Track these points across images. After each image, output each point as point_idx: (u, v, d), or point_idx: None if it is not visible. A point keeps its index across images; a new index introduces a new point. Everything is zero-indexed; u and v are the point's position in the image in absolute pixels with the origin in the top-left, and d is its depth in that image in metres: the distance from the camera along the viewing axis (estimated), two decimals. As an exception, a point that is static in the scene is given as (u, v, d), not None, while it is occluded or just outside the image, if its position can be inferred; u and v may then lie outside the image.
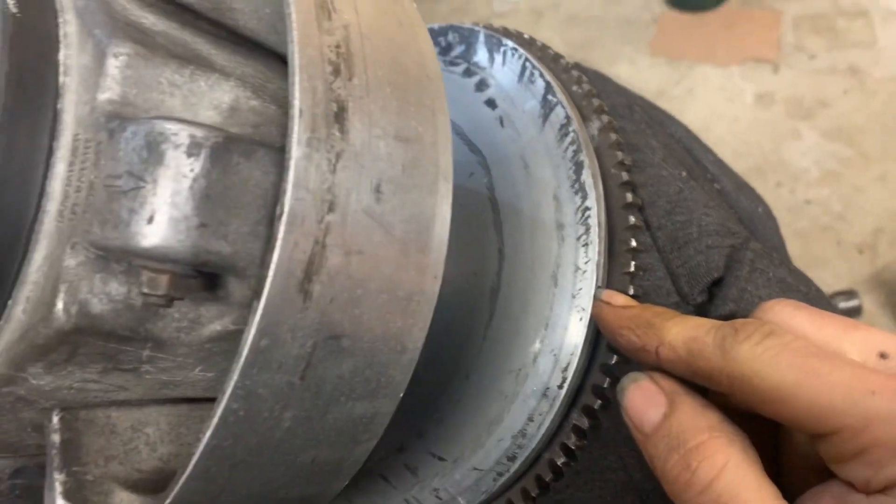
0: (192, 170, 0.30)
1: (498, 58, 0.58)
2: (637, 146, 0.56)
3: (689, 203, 0.54)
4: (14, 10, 0.32)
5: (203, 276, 0.34)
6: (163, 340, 0.35)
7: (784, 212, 2.19)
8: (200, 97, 0.34)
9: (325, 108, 0.32)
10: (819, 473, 0.39)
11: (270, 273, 0.30)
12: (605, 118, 0.53)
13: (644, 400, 0.41)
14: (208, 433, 0.31)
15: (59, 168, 0.32)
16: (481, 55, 0.59)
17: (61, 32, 0.34)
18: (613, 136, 0.53)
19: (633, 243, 0.50)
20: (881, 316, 1.99)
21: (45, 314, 0.33)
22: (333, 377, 0.34)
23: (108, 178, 0.32)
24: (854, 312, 1.95)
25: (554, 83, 0.54)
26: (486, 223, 0.55)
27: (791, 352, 0.35)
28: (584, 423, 0.49)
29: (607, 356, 0.49)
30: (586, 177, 0.50)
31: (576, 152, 0.51)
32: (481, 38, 0.59)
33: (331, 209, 0.31)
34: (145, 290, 0.31)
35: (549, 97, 0.53)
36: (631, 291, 0.49)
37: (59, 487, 0.33)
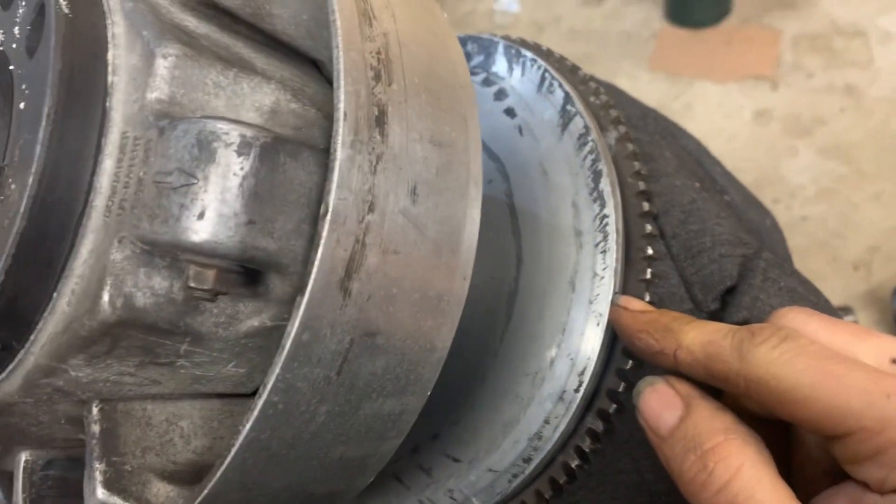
0: (241, 168, 0.31)
1: (517, 68, 0.59)
2: (652, 156, 0.57)
3: (702, 213, 0.56)
4: (66, 11, 0.33)
5: (245, 272, 0.35)
6: (201, 335, 0.36)
7: (781, 228, 2.21)
8: (243, 99, 0.35)
9: (367, 112, 0.33)
10: (830, 476, 0.40)
11: (314, 269, 0.31)
12: (622, 128, 0.55)
13: (660, 403, 0.42)
14: (248, 425, 0.32)
15: (107, 164, 0.33)
16: (500, 65, 0.60)
17: (109, 33, 0.35)
18: (630, 147, 0.54)
19: (650, 251, 0.51)
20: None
21: (91, 306, 0.33)
22: (367, 373, 0.35)
23: (157, 174, 0.33)
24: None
25: (573, 93, 0.55)
26: (505, 229, 0.56)
27: (807, 355, 0.36)
28: (599, 426, 0.50)
29: (622, 361, 0.50)
30: (605, 185, 0.51)
31: (594, 161, 0.52)
32: (500, 48, 0.60)
33: (371, 209, 0.32)
34: (192, 284, 0.32)
35: (569, 107, 0.55)
36: (647, 298, 0.51)
37: (99, 477, 0.34)
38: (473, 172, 0.38)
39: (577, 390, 0.50)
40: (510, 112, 0.58)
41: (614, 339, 0.50)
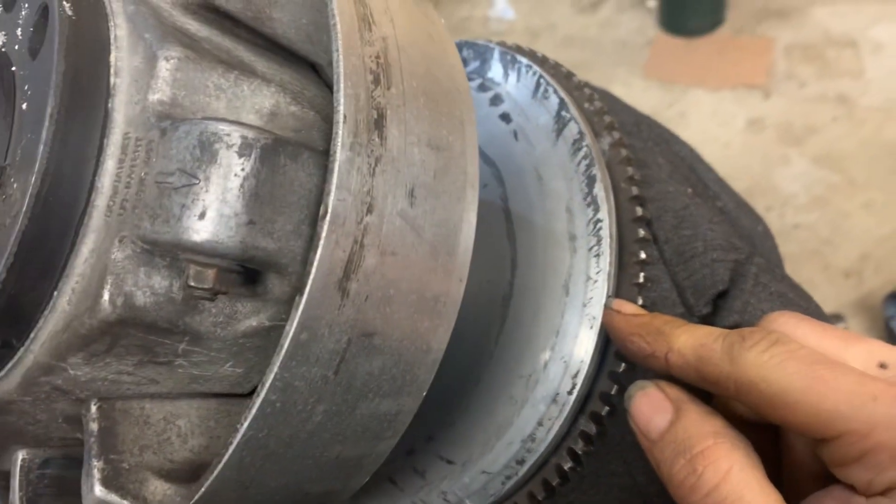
0: (243, 169, 0.32)
1: (512, 74, 0.60)
2: (645, 162, 0.58)
3: (694, 218, 0.56)
4: (70, 13, 0.34)
5: (244, 272, 0.35)
6: (199, 334, 0.36)
7: (773, 234, 2.22)
8: (244, 101, 0.36)
9: (366, 115, 0.33)
10: (818, 479, 0.40)
11: (313, 270, 0.31)
12: (616, 134, 0.55)
13: (651, 407, 0.42)
14: (246, 423, 0.32)
15: (109, 165, 0.33)
16: (496, 71, 0.61)
17: (112, 35, 0.35)
18: (624, 152, 0.55)
19: (642, 255, 0.52)
20: (866, 340, 2.02)
21: (91, 305, 0.34)
22: (364, 373, 0.35)
23: (159, 174, 0.33)
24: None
25: (567, 99, 0.56)
26: (500, 233, 0.56)
27: (797, 359, 0.37)
28: (592, 428, 0.51)
29: (615, 364, 0.51)
30: (599, 190, 0.52)
31: (588, 166, 0.53)
32: (496, 54, 0.61)
33: (369, 211, 0.33)
34: (192, 284, 0.32)
35: (563, 113, 0.55)
36: (639, 302, 0.51)
37: (97, 474, 0.34)
38: (470, 176, 0.39)
39: (570, 393, 0.50)
40: (506, 117, 0.59)
41: (607, 342, 0.51)
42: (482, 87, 0.61)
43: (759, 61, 2.68)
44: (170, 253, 0.34)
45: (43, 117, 0.32)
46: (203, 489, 0.34)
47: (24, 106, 0.34)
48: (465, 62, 0.63)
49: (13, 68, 0.36)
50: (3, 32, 0.38)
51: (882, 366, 0.39)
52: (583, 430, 0.51)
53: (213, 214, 0.32)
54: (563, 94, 0.56)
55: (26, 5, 0.37)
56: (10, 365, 0.35)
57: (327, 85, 0.42)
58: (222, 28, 0.40)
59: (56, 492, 0.41)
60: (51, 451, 0.41)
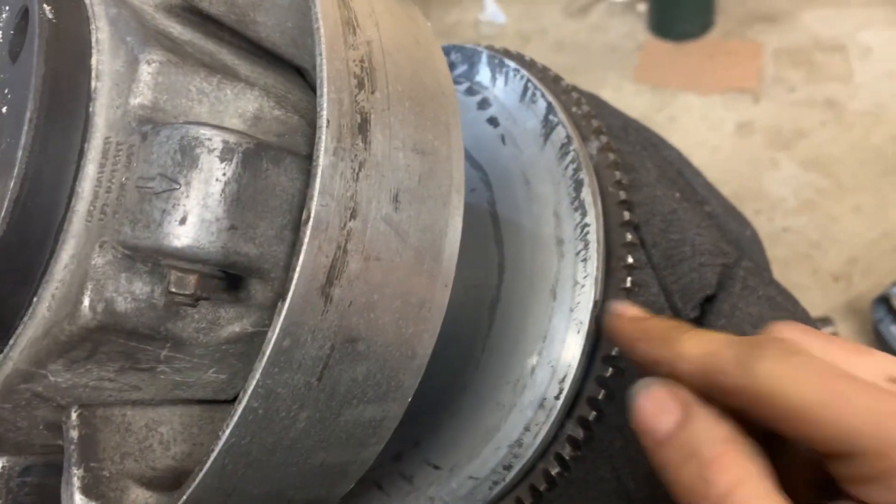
0: (224, 173, 0.31)
1: (500, 78, 0.59)
2: (633, 166, 0.58)
3: (682, 222, 0.56)
4: (50, 16, 0.33)
5: (226, 278, 0.35)
6: (182, 340, 0.36)
7: (762, 239, 2.23)
8: (226, 105, 0.35)
9: (350, 120, 0.33)
10: (814, 487, 0.39)
11: (295, 276, 0.31)
12: (604, 138, 0.55)
13: (657, 406, 0.40)
14: (228, 430, 0.32)
15: (90, 169, 0.33)
16: (483, 75, 0.61)
17: (94, 39, 0.35)
18: (611, 156, 0.55)
19: (630, 260, 0.52)
20: (855, 343, 2.03)
21: (71, 311, 0.33)
22: (348, 379, 0.35)
23: (140, 179, 0.33)
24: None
25: (555, 103, 0.55)
26: (488, 237, 0.56)
27: (814, 371, 0.35)
28: (579, 433, 0.51)
29: (603, 369, 0.51)
30: (586, 194, 0.52)
31: (576, 170, 0.53)
32: (484, 58, 0.61)
33: (353, 216, 0.33)
34: (173, 290, 0.32)
35: (551, 117, 0.55)
36: (627, 306, 0.51)
37: (77, 482, 0.33)
38: (456, 180, 0.39)
39: (557, 398, 0.50)
40: (493, 121, 0.58)
41: (595, 346, 0.51)
42: (470, 91, 0.61)
43: (748, 65, 2.69)
44: (151, 258, 0.33)
45: (22, 121, 0.32)
46: (185, 497, 0.33)
47: (3, 110, 0.34)
48: (452, 66, 0.63)
49: (-7, 71, 0.36)
50: None
51: (892, 380, 0.37)
52: (570, 434, 0.51)
53: (194, 220, 0.31)
54: (550, 98, 0.56)
55: (6, 8, 0.36)
56: (-11, 372, 0.35)
57: (312, 89, 0.42)
58: (205, 31, 0.39)
59: (37, 500, 0.40)
60: (32, 458, 0.41)
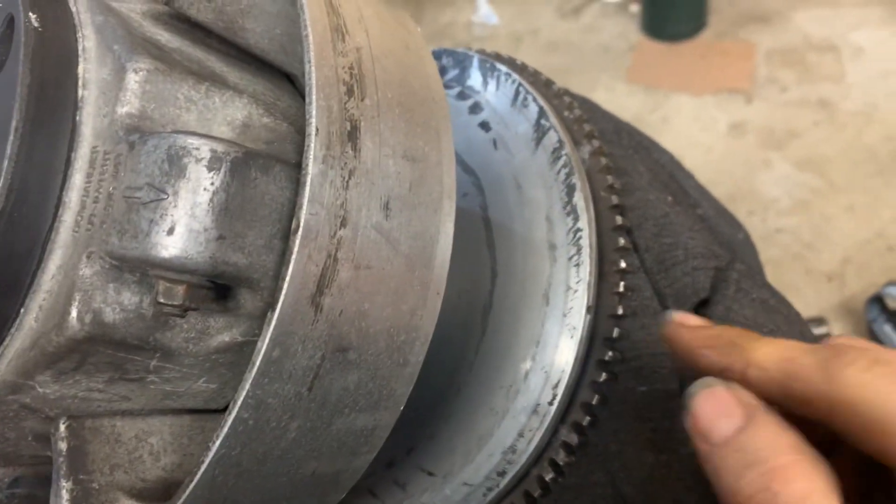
0: (212, 183, 0.31)
1: (492, 82, 0.59)
2: (625, 170, 0.58)
3: (675, 226, 0.56)
4: (36, 24, 0.33)
5: (215, 288, 0.34)
6: (171, 350, 0.36)
7: (756, 240, 2.23)
8: (215, 113, 0.35)
9: (339, 127, 0.33)
10: (861, 496, 0.37)
11: (285, 285, 0.31)
12: (596, 143, 0.55)
13: (717, 408, 0.37)
14: (218, 441, 0.32)
15: (77, 179, 0.33)
16: (475, 79, 0.61)
17: (80, 47, 0.34)
18: (603, 161, 0.55)
19: (623, 264, 0.52)
20: (849, 343, 2.03)
21: (59, 322, 0.33)
22: (339, 389, 0.35)
23: (127, 189, 0.32)
24: (822, 340, 1.99)
25: (547, 108, 0.55)
26: (480, 243, 0.56)
27: None
28: (573, 439, 0.51)
29: (597, 373, 0.50)
30: (578, 199, 0.52)
31: (568, 175, 0.53)
32: (475, 62, 0.61)
33: (343, 224, 0.32)
34: (161, 300, 0.31)
35: (543, 121, 0.55)
36: (620, 311, 0.51)
37: (65, 495, 0.33)
38: (447, 187, 0.38)
39: (551, 403, 0.50)
40: (485, 126, 0.58)
41: (588, 351, 0.51)
42: (461, 96, 0.61)
43: (741, 66, 2.69)
44: (139, 269, 0.33)
45: (8, 131, 0.31)
46: (174, 508, 0.33)
47: (-12, 119, 0.33)
48: (444, 70, 0.63)
49: (-22, 80, 0.36)
50: None
51: None
52: (564, 440, 0.51)
53: (181, 230, 0.31)
54: (542, 102, 0.56)
55: (-8, 16, 0.36)
56: (-24, 384, 0.34)
57: (302, 95, 0.41)
58: (193, 38, 0.39)
59: (26, 511, 0.40)
60: (21, 469, 0.40)
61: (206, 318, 0.36)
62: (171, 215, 0.31)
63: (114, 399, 0.37)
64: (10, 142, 0.31)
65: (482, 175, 0.58)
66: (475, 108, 0.59)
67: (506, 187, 0.56)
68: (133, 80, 0.33)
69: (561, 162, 0.53)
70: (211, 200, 0.31)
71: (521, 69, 0.61)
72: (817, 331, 1.98)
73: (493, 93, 0.59)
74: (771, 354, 0.37)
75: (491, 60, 0.60)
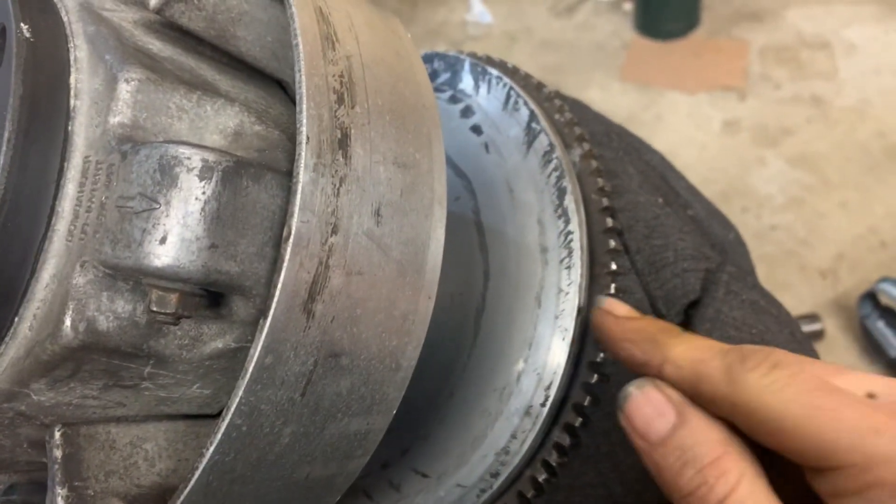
0: (203, 192, 0.31)
1: (483, 86, 0.60)
2: (615, 173, 0.58)
3: (665, 228, 0.57)
4: (28, 35, 0.33)
5: (208, 295, 0.35)
6: (165, 357, 0.36)
7: (750, 237, 2.24)
8: (207, 121, 0.35)
9: (330, 135, 0.33)
10: (805, 493, 0.39)
11: (276, 293, 0.31)
12: (586, 146, 0.56)
13: (651, 409, 0.40)
14: (212, 448, 0.32)
15: (70, 188, 0.33)
16: (467, 82, 0.61)
17: (72, 57, 0.35)
18: (594, 163, 0.55)
19: (613, 266, 0.52)
20: (842, 339, 2.04)
21: (53, 331, 0.33)
22: (332, 394, 0.35)
23: (120, 199, 0.33)
24: (817, 336, 1.99)
25: (538, 111, 0.56)
26: (472, 246, 0.56)
27: (798, 384, 0.35)
28: (566, 440, 0.51)
29: (588, 375, 0.51)
30: (569, 202, 0.52)
31: (559, 178, 0.53)
32: (466, 66, 0.61)
33: (334, 231, 0.33)
34: (154, 309, 0.32)
35: (533, 125, 0.55)
36: (611, 313, 0.51)
37: (61, 502, 0.33)
38: (438, 193, 0.39)
39: (543, 405, 0.50)
40: (477, 129, 0.59)
41: (580, 353, 0.51)
42: (453, 99, 0.61)
43: (734, 64, 2.70)
44: (132, 277, 0.33)
45: (0, 141, 0.32)
46: (169, 515, 0.33)
47: (-19, 129, 0.34)
48: (435, 74, 0.63)
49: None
50: None
51: (870, 395, 0.37)
52: (557, 441, 0.51)
53: (174, 239, 0.31)
54: (533, 105, 0.56)
55: (-17, 27, 0.36)
56: (-29, 392, 0.35)
57: (293, 102, 0.42)
58: (186, 47, 0.39)
59: (22, 518, 0.40)
60: (16, 476, 0.41)
61: (199, 325, 0.36)
62: (164, 224, 0.31)
63: (108, 406, 0.38)
64: (3, 152, 0.31)
65: (474, 178, 0.58)
66: (467, 112, 0.60)
67: (498, 191, 0.56)
68: (125, 89, 0.34)
69: (552, 165, 0.54)
70: (203, 209, 0.32)
71: (512, 72, 0.61)
72: (811, 327, 1.99)
73: (484, 96, 0.60)
74: (684, 353, 0.39)
75: (482, 64, 0.60)
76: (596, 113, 0.68)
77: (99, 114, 0.34)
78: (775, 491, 0.37)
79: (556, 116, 0.57)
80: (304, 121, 0.32)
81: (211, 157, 0.32)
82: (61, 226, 0.33)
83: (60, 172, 0.33)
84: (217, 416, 0.41)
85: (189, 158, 0.32)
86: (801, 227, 2.29)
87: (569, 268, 0.51)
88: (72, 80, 0.34)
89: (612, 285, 0.52)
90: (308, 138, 0.32)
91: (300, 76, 0.33)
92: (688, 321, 0.54)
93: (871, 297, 1.95)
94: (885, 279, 1.95)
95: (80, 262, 0.33)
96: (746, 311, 0.54)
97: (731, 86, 2.65)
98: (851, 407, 0.34)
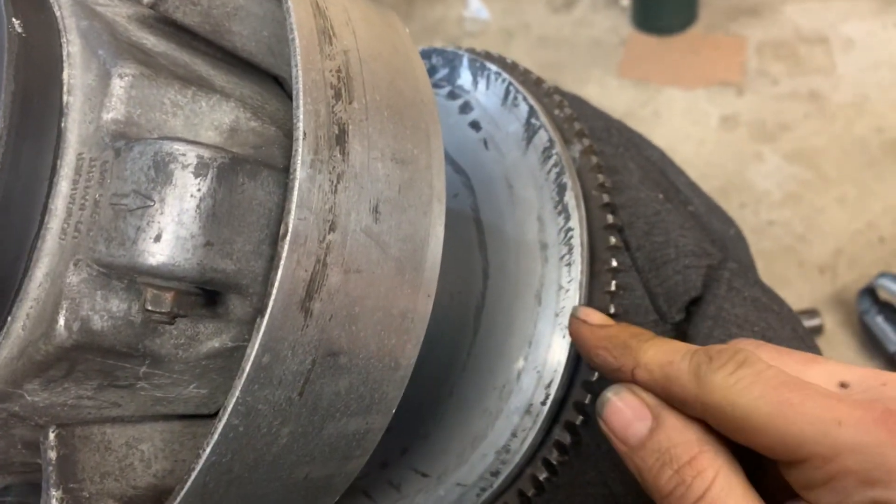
0: (199, 189, 0.31)
1: (482, 81, 0.59)
2: (616, 169, 0.58)
3: (666, 224, 0.56)
4: (20, 30, 0.33)
5: (204, 294, 0.34)
6: (160, 357, 0.35)
7: (748, 232, 2.24)
8: (202, 118, 0.35)
9: (327, 131, 0.32)
10: (784, 488, 0.40)
11: (274, 291, 0.30)
12: (586, 141, 0.55)
13: (628, 413, 0.41)
14: (208, 449, 0.32)
15: (63, 186, 0.32)
16: (465, 78, 0.60)
17: (65, 52, 0.34)
18: (594, 159, 0.54)
19: (614, 263, 0.52)
20: (841, 335, 2.04)
21: (46, 330, 0.33)
22: (330, 393, 0.35)
23: (114, 196, 0.32)
24: (816, 332, 1.99)
25: (537, 107, 0.55)
26: (472, 243, 0.56)
27: (763, 381, 0.36)
28: (566, 438, 0.51)
29: (589, 373, 0.50)
30: (569, 198, 0.52)
31: (559, 174, 0.53)
32: (465, 61, 0.61)
33: (332, 229, 0.32)
34: (149, 308, 0.31)
35: (533, 121, 0.55)
36: (612, 310, 0.51)
37: (55, 504, 0.33)
38: (437, 189, 0.38)
39: (543, 403, 0.50)
40: (475, 125, 0.58)
41: (580, 351, 0.51)
42: (452, 95, 0.61)
43: (731, 59, 2.69)
44: (127, 276, 0.33)
45: None
46: (166, 516, 0.33)
47: (-27, 126, 0.33)
48: (434, 70, 0.63)
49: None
50: None
51: (843, 385, 0.38)
52: (557, 439, 0.51)
53: (169, 237, 0.31)
54: (532, 101, 0.56)
55: (-25, 22, 0.36)
56: (-36, 393, 0.34)
57: (290, 97, 0.41)
58: (180, 42, 0.39)
59: (17, 519, 0.40)
60: (11, 477, 0.40)
61: (195, 324, 0.35)
62: (158, 222, 0.31)
63: (104, 406, 0.37)
64: None
65: (473, 175, 0.57)
66: (465, 108, 0.59)
67: (497, 187, 0.56)
68: (118, 85, 0.33)
69: (551, 161, 0.53)
70: (198, 207, 0.31)
71: (511, 68, 0.60)
72: (810, 323, 1.99)
73: (483, 92, 0.59)
74: (654, 357, 0.41)
75: (481, 59, 0.60)
76: (595, 108, 0.67)
77: (92, 110, 0.33)
78: (755, 485, 0.38)
79: (556, 112, 0.56)
80: (301, 116, 0.32)
81: (206, 153, 0.31)
82: (54, 224, 0.32)
83: (53, 170, 0.32)
84: (214, 416, 0.40)
85: (184, 155, 0.31)
86: (799, 222, 2.29)
87: (569, 265, 0.51)
88: (65, 75, 0.33)
89: (613, 282, 0.51)
90: (305, 134, 0.31)
91: (297, 71, 0.32)
92: (689, 318, 0.54)
93: (869, 292, 1.95)
94: (883, 274, 1.95)
95: (74, 261, 0.33)
96: (748, 309, 0.54)
97: (728, 81, 2.64)
98: (815, 400, 0.35)
